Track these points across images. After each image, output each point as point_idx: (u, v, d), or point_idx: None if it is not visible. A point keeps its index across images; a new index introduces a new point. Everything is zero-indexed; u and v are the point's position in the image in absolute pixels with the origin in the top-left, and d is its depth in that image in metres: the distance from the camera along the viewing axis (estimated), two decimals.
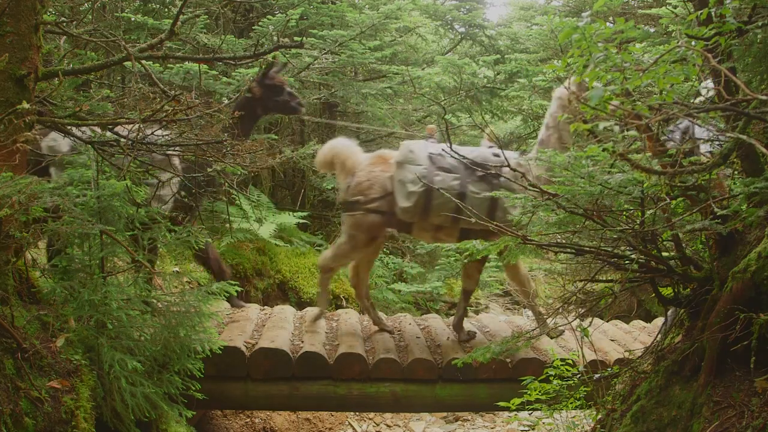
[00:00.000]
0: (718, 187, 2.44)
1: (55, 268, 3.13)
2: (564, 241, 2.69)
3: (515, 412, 3.33)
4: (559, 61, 2.28)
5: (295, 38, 6.14)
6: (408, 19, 8.09)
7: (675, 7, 5.64)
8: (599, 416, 2.81)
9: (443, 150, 3.93)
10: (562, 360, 3.35)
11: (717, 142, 2.60)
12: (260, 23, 6.38)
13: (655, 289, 2.74)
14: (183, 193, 3.92)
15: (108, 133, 3.01)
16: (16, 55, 2.75)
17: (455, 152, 3.19)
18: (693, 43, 2.23)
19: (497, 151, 4.06)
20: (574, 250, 2.68)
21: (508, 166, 2.84)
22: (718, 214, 2.29)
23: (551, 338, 4.21)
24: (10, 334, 2.47)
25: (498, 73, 8.15)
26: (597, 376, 3.03)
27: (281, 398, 3.89)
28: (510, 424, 5.83)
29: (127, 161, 3.05)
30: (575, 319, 3.12)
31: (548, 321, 3.97)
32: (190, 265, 5.42)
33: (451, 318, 5.23)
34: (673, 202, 2.53)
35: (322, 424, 5.76)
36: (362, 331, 4.48)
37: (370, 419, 5.99)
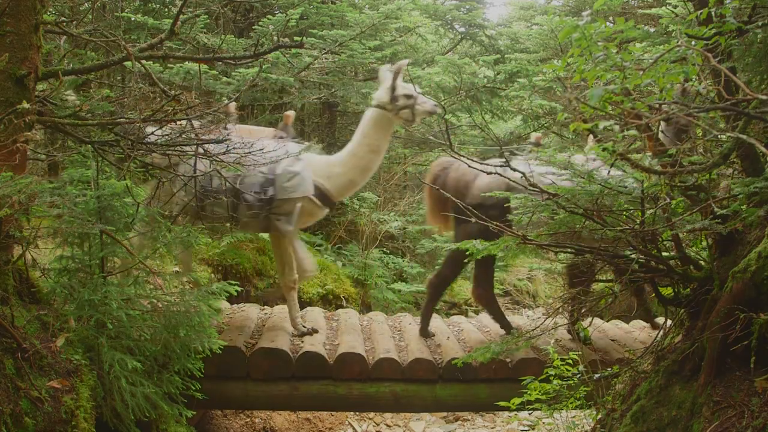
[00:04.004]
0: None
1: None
2: (564, 241, 2.69)
3: (515, 412, 3.33)
4: (559, 60, 2.28)
5: (295, 38, 6.14)
6: (408, 19, 8.09)
7: (675, 7, 5.64)
8: (599, 416, 2.81)
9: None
10: (562, 360, 3.35)
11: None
12: (260, 23, 6.38)
13: (655, 289, 2.74)
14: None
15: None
16: (16, 55, 2.76)
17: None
18: (693, 42, 2.23)
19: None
20: (574, 250, 2.68)
21: None
22: (718, 214, 2.29)
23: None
24: (10, 334, 2.47)
25: (498, 73, 8.14)
26: (597, 376, 3.03)
27: (281, 398, 3.89)
28: (510, 424, 5.82)
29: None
30: (575, 319, 3.11)
31: (548, 321, 3.97)
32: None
33: (452, 318, 5.24)
34: (674, 202, 2.53)
35: (322, 424, 5.76)
36: (362, 331, 4.48)
37: (370, 419, 5.99)
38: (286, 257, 4.12)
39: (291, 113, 4.31)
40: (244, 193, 3.79)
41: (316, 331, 4.26)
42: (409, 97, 3.95)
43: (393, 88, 3.95)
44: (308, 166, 3.96)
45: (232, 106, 4.16)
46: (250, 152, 3.36)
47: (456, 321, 4.99)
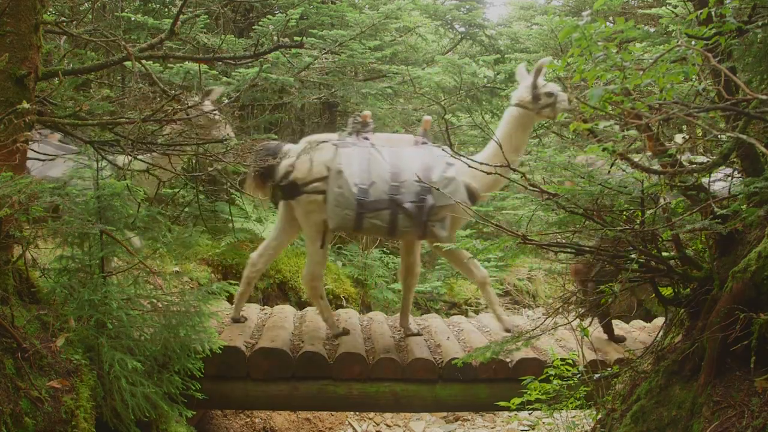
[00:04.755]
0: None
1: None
2: (564, 241, 2.68)
3: (515, 412, 3.33)
4: (559, 60, 2.28)
5: (295, 38, 6.13)
6: (408, 19, 8.08)
7: (675, 7, 5.64)
8: (599, 416, 2.81)
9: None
10: (562, 360, 3.35)
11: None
12: (260, 23, 6.38)
13: (655, 289, 2.74)
14: None
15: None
16: (16, 55, 2.76)
17: None
18: (693, 42, 2.23)
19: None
20: (574, 250, 2.68)
21: None
22: (718, 214, 2.29)
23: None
24: (10, 334, 2.47)
25: (498, 73, 8.14)
26: (597, 376, 3.03)
27: (281, 398, 3.89)
28: (510, 424, 5.83)
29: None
30: (575, 319, 3.11)
31: (548, 321, 3.97)
32: (190, 265, 5.42)
33: (452, 318, 5.23)
34: (674, 202, 2.53)
35: (322, 424, 5.76)
36: (362, 331, 4.48)
37: (370, 419, 5.99)
38: (467, 261, 4.14)
39: (429, 118, 4.32)
40: (404, 204, 3.79)
41: (420, 334, 4.33)
42: (550, 95, 3.98)
43: (535, 87, 3.97)
44: (458, 170, 3.95)
45: (368, 114, 4.18)
46: (250, 152, 3.36)
47: (456, 321, 4.99)
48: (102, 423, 2.90)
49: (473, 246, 2.80)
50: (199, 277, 5.29)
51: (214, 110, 3.66)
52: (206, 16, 6.16)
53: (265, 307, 5.19)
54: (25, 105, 2.58)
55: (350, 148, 3.91)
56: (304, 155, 3.92)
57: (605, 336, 4.44)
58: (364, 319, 4.89)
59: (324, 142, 4.00)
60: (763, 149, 1.99)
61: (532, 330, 3.14)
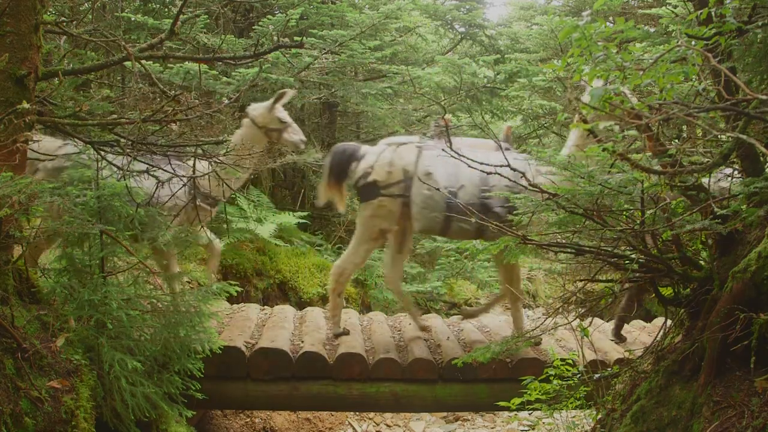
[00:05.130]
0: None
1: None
2: (564, 241, 2.68)
3: (515, 412, 3.33)
4: (559, 60, 2.28)
5: (295, 38, 6.13)
6: (408, 19, 8.08)
7: (675, 7, 5.64)
8: (599, 416, 2.81)
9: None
10: (562, 360, 3.35)
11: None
12: (260, 23, 6.38)
13: (655, 289, 2.74)
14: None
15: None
16: (16, 55, 2.76)
17: None
18: (693, 42, 2.23)
19: None
20: (574, 250, 2.68)
21: None
22: (718, 214, 2.29)
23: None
24: (10, 334, 2.47)
25: (498, 73, 8.13)
26: (597, 376, 3.03)
27: (281, 398, 3.89)
28: (510, 424, 5.82)
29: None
30: (575, 319, 3.11)
31: (548, 321, 3.97)
32: (190, 265, 5.42)
33: (452, 318, 5.23)
34: (674, 202, 2.52)
35: (322, 424, 5.76)
36: (362, 331, 4.48)
37: (370, 419, 5.99)
38: (516, 271, 4.16)
39: (509, 125, 4.27)
40: (494, 208, 3.75)
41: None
42: None
43: None
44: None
45: (450, 118, 4.14)
46: (250, 155, 3.37)
47: (456, 321, 4.99)
48: (102, 423, 2.90)
49: (473, 246, 2.80)
50: (199, 277, 5.29)
51: (216, 111, 3.66)
52: (206, 16, 6.17)
53: (265, 307, 5.19)
54: (25, 105, 2.58)
55: (436, 151, 3.87)
56: (384, 157, 3.91)
57: (606, 335, 4.44)
58: (364, 319, 4.89)
59: (404, 144, 3.98)
60: (763, 149, 1.99)
61: (532, 330, 3.14)
